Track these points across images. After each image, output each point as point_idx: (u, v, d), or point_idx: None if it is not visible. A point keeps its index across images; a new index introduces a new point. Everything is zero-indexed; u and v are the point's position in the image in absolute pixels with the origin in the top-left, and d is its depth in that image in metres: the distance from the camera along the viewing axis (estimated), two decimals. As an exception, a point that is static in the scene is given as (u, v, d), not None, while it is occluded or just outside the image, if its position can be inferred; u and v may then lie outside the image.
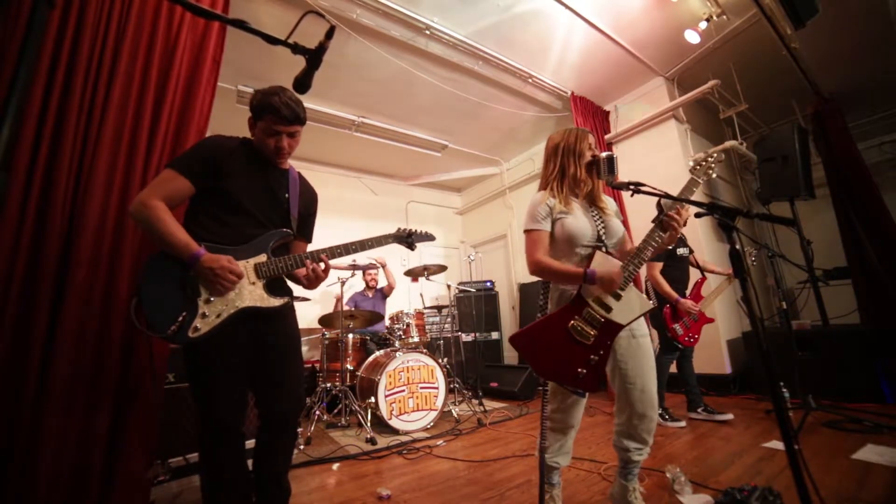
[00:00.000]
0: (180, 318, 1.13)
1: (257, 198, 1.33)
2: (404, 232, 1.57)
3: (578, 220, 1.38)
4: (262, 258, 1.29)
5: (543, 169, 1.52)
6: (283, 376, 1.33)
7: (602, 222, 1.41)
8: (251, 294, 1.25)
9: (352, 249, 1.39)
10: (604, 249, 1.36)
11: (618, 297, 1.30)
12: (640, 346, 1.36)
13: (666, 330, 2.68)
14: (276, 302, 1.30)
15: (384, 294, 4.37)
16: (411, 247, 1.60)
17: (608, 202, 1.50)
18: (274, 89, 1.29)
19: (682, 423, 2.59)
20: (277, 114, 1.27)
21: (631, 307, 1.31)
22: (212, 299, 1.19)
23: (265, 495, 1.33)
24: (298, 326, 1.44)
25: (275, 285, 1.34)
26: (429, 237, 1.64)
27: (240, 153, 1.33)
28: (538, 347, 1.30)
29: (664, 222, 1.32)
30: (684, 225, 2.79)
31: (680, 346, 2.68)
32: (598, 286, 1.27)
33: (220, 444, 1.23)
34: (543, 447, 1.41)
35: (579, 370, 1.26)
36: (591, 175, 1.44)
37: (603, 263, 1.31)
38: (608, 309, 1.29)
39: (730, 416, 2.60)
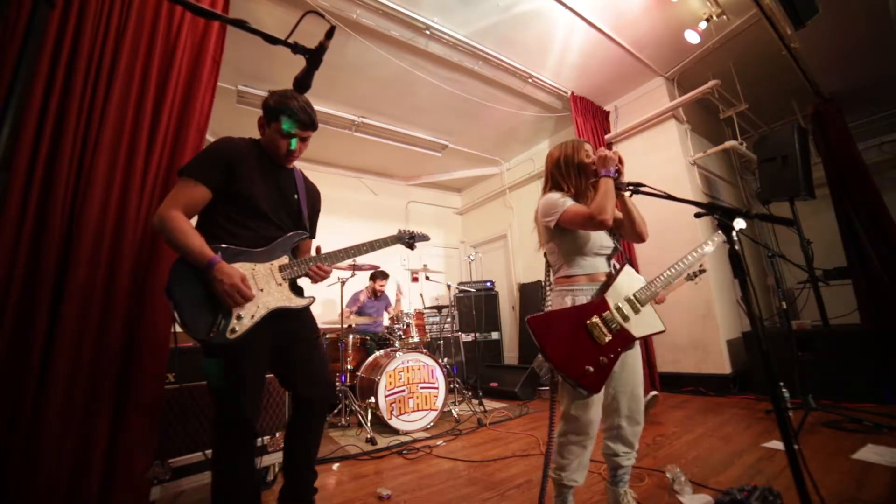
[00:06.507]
0: (217, 321, 1.16)
1: (272, 200, 1.35)
2: (406, 233, 1.71)
3: None
4: (285, 260, 1.34)
5: (545, 184, 1.53)
6: (314, 364, 1.41)
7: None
8: (279, 295, 1.30)
9: (363, 250, 1.49)
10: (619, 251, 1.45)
11: (637, 311, 1.34)
12: (633, 354, 1.40)
13: None
14: (303, 302, 1.37)
15: (388, 305, 4.39)
16: (411, 247, 1.74)
17: None
18: (290, 93, 1.31)
19: (654, 393, 2.83)
20: (294, 117, 1.30)
21: (647, 323, 1.37)
22: None
23: (298, 476, 1.37)
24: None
25: (295, 285, 1.39)
26: (424, 237, 1.81)
27: (252, 155, 1.34)
28: (554, 333, 1.28)
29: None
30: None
31: None
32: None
33: (243, 444, 1.25)
34: (561, 465, 1.32)
35: (587, 367, 1.25)
36: (593, 185, 1.45)
37: (628, 277, 1.39)
38: (626, 319, 1.33)
39: (653, 393, 2.84)
